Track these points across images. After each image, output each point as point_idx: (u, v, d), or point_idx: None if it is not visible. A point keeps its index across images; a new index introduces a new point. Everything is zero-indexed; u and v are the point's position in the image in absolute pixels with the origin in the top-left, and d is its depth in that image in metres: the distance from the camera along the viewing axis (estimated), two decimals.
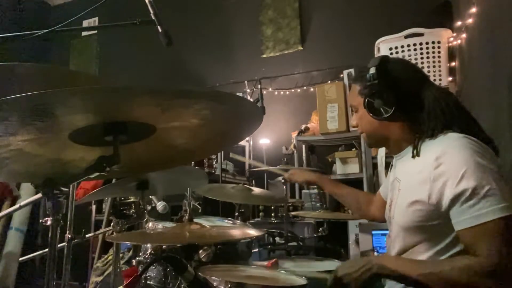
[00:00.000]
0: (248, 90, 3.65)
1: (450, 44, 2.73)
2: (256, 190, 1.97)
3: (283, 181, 2.45)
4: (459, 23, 2.64)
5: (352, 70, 3.13)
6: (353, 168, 3.00)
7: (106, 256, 2.84)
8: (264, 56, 3.96)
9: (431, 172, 1.03)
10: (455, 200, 0.98)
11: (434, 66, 2.67)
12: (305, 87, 3.74)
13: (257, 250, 2.04)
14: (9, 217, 2.99)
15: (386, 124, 1.20)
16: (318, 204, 2.76)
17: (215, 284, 1.19)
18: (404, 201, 1.13)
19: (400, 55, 2.67)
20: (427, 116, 1.12)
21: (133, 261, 1.53)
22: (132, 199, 1.79)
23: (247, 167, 3.60)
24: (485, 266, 0.92)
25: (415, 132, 1.16)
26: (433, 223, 1.05)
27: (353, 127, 1.36)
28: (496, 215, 0.93)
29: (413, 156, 1.14)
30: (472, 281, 0.94)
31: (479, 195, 0.95)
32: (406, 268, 1.02)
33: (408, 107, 1.16)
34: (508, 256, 0.91)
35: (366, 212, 1.61)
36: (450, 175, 0.99)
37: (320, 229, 2.44)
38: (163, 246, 1.48)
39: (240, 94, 3.46)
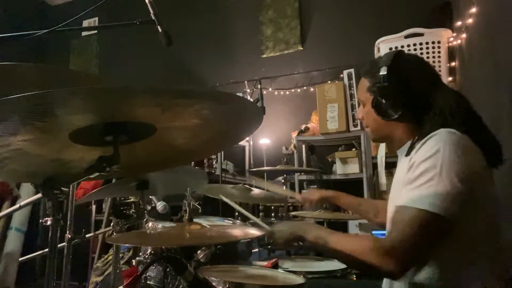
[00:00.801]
0: (248, 90, 3.64)
1: (450, 44, 2.73)
2: (256, 190, 1.97)
3: (283, 181, 2.45)
4: (459, 23, 2.64)
5: (352, 70, 3.13)
6: (353, 168, 3.00)
7: (106, 256, 2.84)
8: (264, 56, 3.96)
9: (409, 162, 1.04)
10: (410, 181, 0.99)
11: (434, 66, 2.65)
12: (305, 87, 3.74)
13: (257, 250, 2.04)
14: (9, 217, 3.00)
15: (392, 123, 1.20)
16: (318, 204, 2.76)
17: (214, 284, 1.19)
18: (395, 196, 1.15)
19: None
20: (432, 117, 1.11)
21: (133, 261, 1.54)
22: (132, 199, 1.79)
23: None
24: (383, 243, 0.95)
25: (418, 133, 1.15)
26: None
27: (358, 119, 1.36)
28: (422, 206, 0.93)
29: (406, 155, 1.14)
30: (362, 250, 0.97)
31: (421, 182, 0.96)
32: (321, 237, 1.09)
33: (416, 109, 1.14)
34: (409, 247, 0.92)
35: (383, 218, 1.59)
36: (417, 159, 1.00)
37: None
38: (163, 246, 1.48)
39: (240, 94, 3.45)
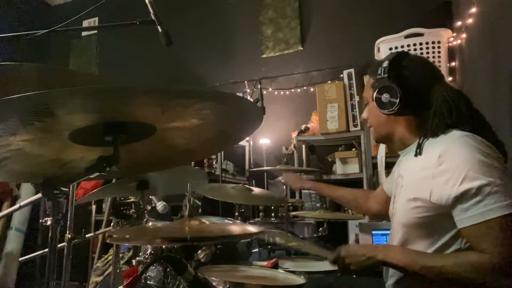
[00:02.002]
0: (248, 90, 3.64)
1: (450, 44, 2.73)
2: (256, 190, 1.97)
3: (283, 181, 2.45)
4: (459, 23, 2.64)
5: (352, 70, 3.13)
6: (353, 168, 3.00)
7: (106, 256, 2.84)
8: (264, 56, 3.96)
9: (433, 170, 1.03)
10: (459, 198, 0.98)
11: None
12: (305, 87, 3.74)
13: (257, 250, 2.04)
14: (9, 217, 3.00)
15: (393, 119, 1.21)
16: (318, 204, 2.77)
17: (214, 284, 1.19)
18: (406, 198, 1.14)
19: None
20: (433, 114, 1.12)
21: (133, 261, 1.53)
22: (132, 199, 1.79)
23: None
24: (490, 262, 0.92)
25: (420, 131, 1.16)
26: (433, 221, 1.05)
27: (363, 119, 1.37)
28: (501, 212, 0.93)
29: (415, 155, 1.14)
30: (475, 276, 0.94)
31: (483, 193, 0.95)
32: (409, 259, 1.03)
33: (415, 104, 1.16)
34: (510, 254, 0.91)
35: (365, 208, 1.62)
36: (453, 173, 0.99)
37: (320, 229, 2.44)
38: (163, 246, 1.48)
39: (240, 94, 3.45)
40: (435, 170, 1.03)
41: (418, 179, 1.09)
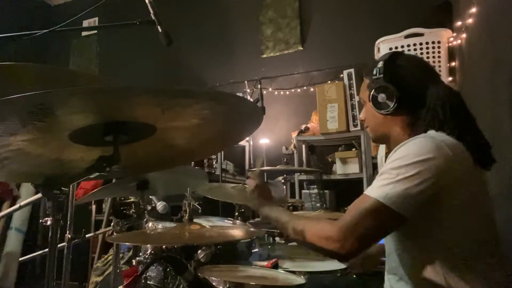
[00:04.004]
0: (248, 90, 3.64)
1: (450, 44, 2.73)
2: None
3: (283, 181, 2.45)
4: (459, 23, 2.64)
5: (352, 70, 3.13)
6: (353, 168, 3.00)
7: (106, 256, 2.85)
8: (264, 56, 3.96)
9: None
10: (379, 174, 1.03)
11: (434, 66, 2.65)
12: (305, 87, 3.74)
13: (257, 250, 2.04)
14: (9, 217, 3.00)
15: (389, 119, 1.21)
16: (318, 204, 2.76)
17: (214, 284, 1.19)
18: None
19: None
20: (425, 114, 1.12)
21: (133, 261, 1.54)
22: (132, 199, 1.79)
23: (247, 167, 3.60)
24: (332, 228, 0.99)
25: (414, 131, 1.16)
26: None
27: (361, 120, 1.38)
28: (372, 194, 0.97)
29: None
30: (314, 236, 1.03)
31: (381, 176, 1.00)
32: (279, 215, 1.18)
33: (411, 104, 1.16)
34: (352, 228, 0.96)
35: None
36: (392, 159, 1.03)
37: None
38: (163, 246, 1.48)
39: (240, 94, 3.45)
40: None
41: None
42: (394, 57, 1.21)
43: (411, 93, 1.16)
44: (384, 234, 1.03)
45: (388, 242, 1.18)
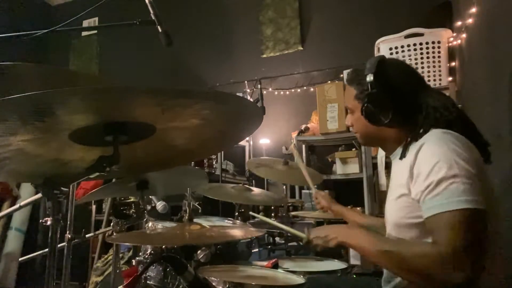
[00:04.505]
0: (248, 90, 3.64)
1: (450, 44, 2.73)
2: (256, 190, 1.97)
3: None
4: (459, 23, 2.64)
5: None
6: (353, 168, 3.00)
7: (106, 256, 2.85)
8: (264, 56, 3.96)
9: (411, 168, 1.05)
10: (424, 191, 0.99)
11: (434, 66, 2.67)
12: (305, 87, 3.74)
13: (257, 250, 2.04)
14: (9, 217, 3.00)
15: (382, 128, 1.20)
16: None
17: (214, 284, 1.19)
18: (393, 198, 1.15)
19: (400, 55, 2.67)
20: (423, 119, 1.12)
21: (133, 261, 1.54)
22: (132, 199, 1.79)
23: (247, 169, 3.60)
24: (438, 253, 0.93)
25: (408, 135, 1.16)
26: (420, 220, 1.04)
27: (347, 125, 1.36)
28: (456, 206, 0.93)
29: (400, 158, 1.15)
30: (423, 267, 0.95)
31: (445, 186, 0.95)
32: (366, 242, 1.05)
33: (406, 112, 1.15)
34: (463, 249, 0.90)
35: None
36: (424, 167, 1.00)
37: None
38: (163, 246, 1.48)
39: (240, 94, 3.46)
40: (412, 167, 1.04)
41: (401, 179, 1.10)
42: (381, 67, 1.18)
43: (405, 101, 1.15)
44: (485, 238, 0.96)
45: None
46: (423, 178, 0.99)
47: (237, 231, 1.38)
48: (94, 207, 3.38)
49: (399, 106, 1.14)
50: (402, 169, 1.11)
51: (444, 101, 1.14)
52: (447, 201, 0.94)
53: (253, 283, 1.18)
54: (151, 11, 1.19)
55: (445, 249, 0.91)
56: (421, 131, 1.11)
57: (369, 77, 1.16)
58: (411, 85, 1.18)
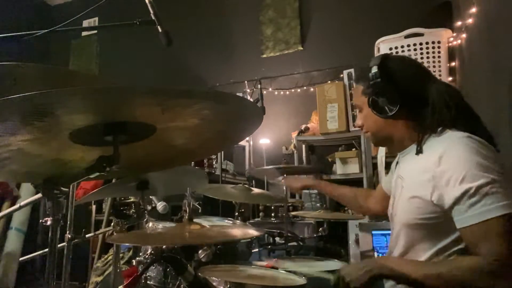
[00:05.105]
0: (248, 90, 3.64)
1: (450, 44, 2.73)
2: (256, 190, 1.97)
3: (283, 181, 2.45)
4: (459, 23, 2.64)
5: (352, 70, 3.13)
6: (353, 168, 3.00)
7: (106, 256, 2.85)
8: (264, 56, 3.96)
9: (434, 171, 1.04)
10: (458, 198, 0.98)
11: (434, 66, 2.67)
12: (305, 87, 3.74)
13: (257, 250, 2.04)
14: (9, 217, 3.00)
15: (391, 122, 1.20)
16: (318, 204, 2.76)
17: (215, 284, 1.19)
18: (406, 198, 1.14)
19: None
20: (431, 111, 1.12)
21: (133, 261, 1.53)
22: (132, 199, 1.79)
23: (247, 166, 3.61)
24: (488, 264, 0.92)
25: (420, 130, 1.16)
26: (434, 221, 1.05)
27: (358, 127, 1.36)
28: (498, 212, 0.92)
29: (416, 153, 1.14)
30: (474, 280, 0.94)
31: (481, 194, 0.95)
32: (406, 269, 1.03)
33: (412, 103, 1.16)
34: (511, 255, 0.91)
35: (366, 207, 1.62)
36: (453, 173, 0.99)
37: (320, 229, 2.43)
38: (163, 246, 1.48)
39: (240, 94, 3.45)
40: (436, 170, 1.03)
41: (419, 179, 1.09)
42: (386, 60, 1.20)
43: (411, 93, 1.16)
44: None
45: (398, 242, 1.18)
46: (453, 185, 0.98)
47: (237, 231, 1.37)
48: (94, 207, 3.38)
49: (405, 97, 1.15)
50: (419, 168, 1.10)
51: (451, 94, 1.13)
52: (486, 209, 0.94)
53: (253, 283, 1.18)
54: (151, 11, 1.19)
55: (490, 258, 0.92)
56: (435, 126, 1.10)
57: (374, 69, 1.18)
58: (416, 76, 1.19)
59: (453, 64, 2.76)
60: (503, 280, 0.92)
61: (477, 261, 0.95)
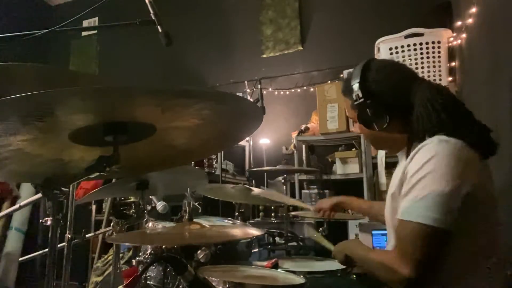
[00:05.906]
0: (248, 90, 3.64)
1: (450, 44, 2.73)
2: (256, 190, 1.97)
3: (283, 181, 2.45)
4: (459, 23, 2.64)
5: (351, 71, 3.13)
6: (353, 168, 3.00)
7: (106, 256, 2.85)
8: (264, 56, 3.96)
9: (404, 168, 1.05)
10: (404, 196, 1.00)
11: (434, 66, 2.67)
12: (305, 87, 3.74)
13: (257, 250, 2.04)
14: (9, 217, 3.00)
15: (385, 132, 1.19)
16: None
17: (214, 284, 1.19)
18: (389, 199, 1.17)
19: (400, 55, 2.67)
20: (416, 121, 1.10)
21: (133, 261, 1.53)
22: (132, 199, 1.79)
23: (247, 166, 3.61)
24: (388, 259, 0.97)
25: (413, 133, 1.15)
26: None
27: (357, 133, 1.38)
28: (420, 219, 0.92)
29: (406, 158, 1.15)
30: (377, 269, 1.02)
31: (420, 195, 0.94)
32: (353, 251, 1.17)
33: (401, 114, 1.13)
34: (417, 263, 0.91)
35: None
36: (413, 171, 0.99)
37: (320, 229, 2.43)
38: (163, 246, 1.48)
39: (240, 94, 3.45)
40: (406, 168, 1.04)
41: (396, 181, 1.11)
42: (365, 74, 1.17)
43: (397, 104, 1.14)
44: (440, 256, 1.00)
45: (390, 244, 1.19)
46: (408, 182, 1.00)
47: (237, 231, 1.37)
48: (94, 207, 3.38)
49: (392, 110, 1.13)
50: (398, 171, 1.13)
51: (434, 100, 1.08)
52: (414, 211, 0.95)
53: (253, 283, 1.19)
54: (151, 11, 1.19)
55: (398, 260, 0.94)
56: (419, 133, 1.08)
57: (355, 88, 1.17)
58: (400, 85, 1.15)
59: (453, 64, 2.76)
60: (402, 283, 0.93)
61: (390, 257, 0.98)
